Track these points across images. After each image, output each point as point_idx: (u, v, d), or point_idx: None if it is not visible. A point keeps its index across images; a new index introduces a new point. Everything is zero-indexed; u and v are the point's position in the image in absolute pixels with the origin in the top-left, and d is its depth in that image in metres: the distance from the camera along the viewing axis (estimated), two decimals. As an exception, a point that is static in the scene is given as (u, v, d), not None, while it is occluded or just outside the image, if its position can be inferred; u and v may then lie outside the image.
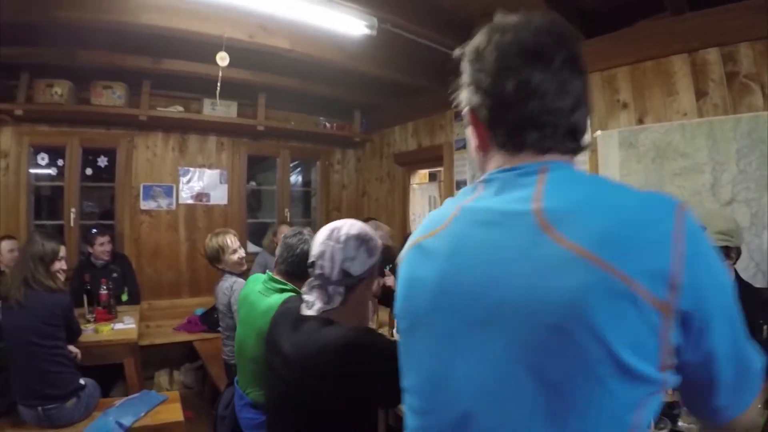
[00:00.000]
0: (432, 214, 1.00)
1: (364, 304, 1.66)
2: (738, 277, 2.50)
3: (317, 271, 1.56)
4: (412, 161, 5.75)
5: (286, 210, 6.05)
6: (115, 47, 4.21)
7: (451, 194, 5.04)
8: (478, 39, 0.88)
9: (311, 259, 1.60)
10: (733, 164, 2.99)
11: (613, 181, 0.82)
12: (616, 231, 0.71)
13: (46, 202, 5.46)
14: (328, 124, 6.07)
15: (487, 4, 3.65)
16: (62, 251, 3.16)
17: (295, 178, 7.02)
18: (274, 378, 1.63)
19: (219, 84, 4.01)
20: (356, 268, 1.54)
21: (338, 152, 6.55)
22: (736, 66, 2.98)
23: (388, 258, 5.00)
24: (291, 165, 6.50)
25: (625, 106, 3.61)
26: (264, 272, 4.28)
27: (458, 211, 0.89)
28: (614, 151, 3.62)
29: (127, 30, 3.57)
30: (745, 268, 2.87)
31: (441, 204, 1.04)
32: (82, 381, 2.99)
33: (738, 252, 2.46)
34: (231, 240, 3.46)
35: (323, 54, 4.16)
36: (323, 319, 1.50)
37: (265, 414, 2.03)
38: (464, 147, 4.88)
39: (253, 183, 6.16)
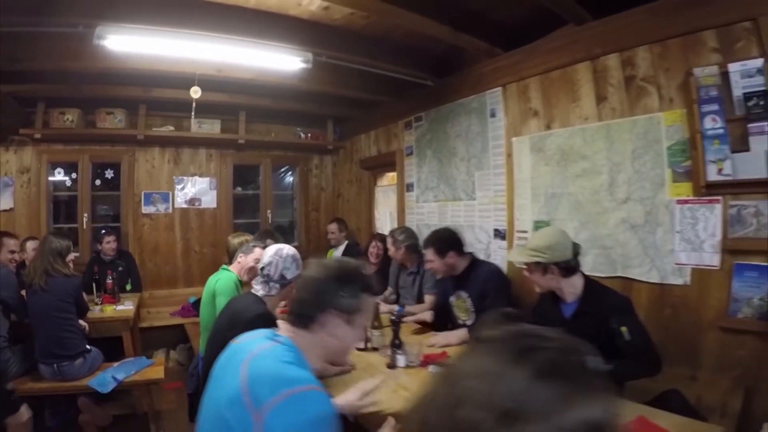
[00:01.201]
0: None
1: (285, 297, 2.56)
2: (589, 288, 2.50)
3: (265, 272, 2.51)
4: (373, 166, 6.12)
5: (269, 211, 6.49)
6: (112, 82, 4.80)
7: (402, 195, 5.42)
8: None
9: (261, 265, 2.54)
10: (629, 165, 3.09)
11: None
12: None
13: (63, 208, 5.91)
14: (302, 135, 6.56)
15: (405, 31, 3.90)
16: (72, 247, 3.93)
17: (289, 180, 7.33)
18: (214, 332, 2.50)
19: (193, 109, 4.66)
20: (289, 275, 2.49)
21: (316, 158, 6.98)
22: (633, 70, 3.06)
23: (353, 253, 5.84)
24: (283, 169, 7.01)
25: (535, 113, 3.78)
26: None
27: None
28: (526, 155, 3.83)
29: (119, 71, 4.17)
30: (641, 264, 3.03)
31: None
32: (88, 346, 3.68)
33: (566, 266, 2.46)
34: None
35: (282, 80, 4.52)
36: (257, 297, 2.49)
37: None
38: (412, 153, 5.24)
39: (239, 188, 6.54)
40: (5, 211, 5.42)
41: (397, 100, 5.38)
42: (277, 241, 5.51)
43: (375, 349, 3.04)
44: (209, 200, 6.32)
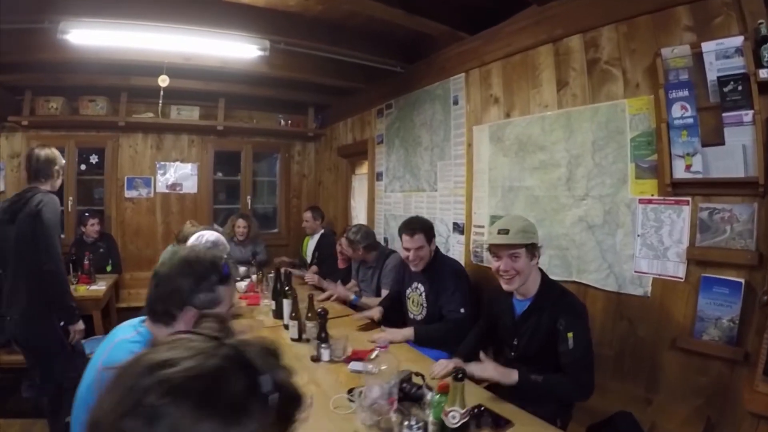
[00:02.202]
0: None
1: None
2: (546, 284, 2.06)
3: None
4: (350, 153, 5.50)
5: (249, 197, 5.90)
6: (92, 71, 4.44)
7: (373, 184, 4.80)
8: None
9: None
10: (589, 157, 2.47)
11: None
12: None
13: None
14: (282, 122, 5.92)
15: (365, 17, 3.23)
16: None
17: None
18: None
19: (161, 98, 4.30)
20: None
21: (298, 145, 6.32)
22: (597, 52, 2.42)
23: (329, 243, 5.25)
24: (275, 156, 6.32)
25: (496, 100, 3.15)
26: None
27: None
28: (486, 145, 3.21)
29: (97, 61, 3.93)
30: (598, 269, 2.41)
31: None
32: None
33: (539, 251, 2.05)
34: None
35: (252, 68, 4.07)
36: None
37: None
38: (383, 142, 4.62)
39: (219, 174, 5.96)
40: None
41: (371, 88, 4.74)
42: (250, 224, 5.02)
43: (308, 341, 2.58)
44: (190, 185, 5.73)
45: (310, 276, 4.23)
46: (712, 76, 1.86)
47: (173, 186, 5.65)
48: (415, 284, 3.02)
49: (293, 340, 2.63)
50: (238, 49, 3.49)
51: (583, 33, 2.52)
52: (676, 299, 2.08)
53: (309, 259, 4.95)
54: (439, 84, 3.76)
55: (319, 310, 2.47)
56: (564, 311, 1.93)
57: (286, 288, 2.96)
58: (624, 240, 2.33)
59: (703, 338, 1.94)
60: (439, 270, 2.89)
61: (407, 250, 2.87)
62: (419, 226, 2.88)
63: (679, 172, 2.02)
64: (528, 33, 2.86)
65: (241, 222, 5.01)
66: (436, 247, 3.02)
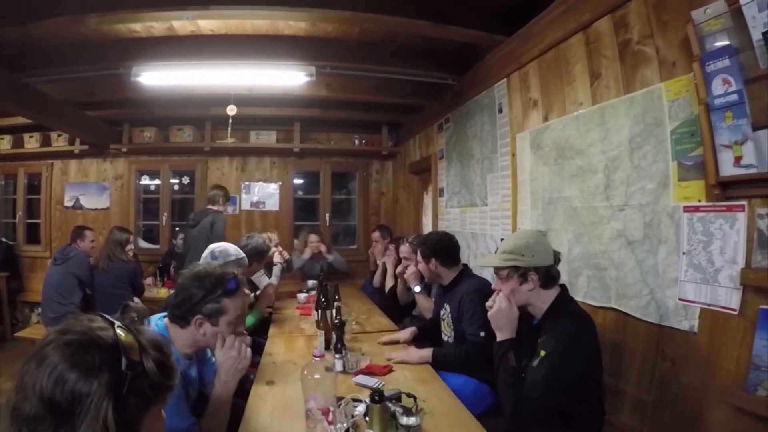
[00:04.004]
0: None
1: None
2: (556, 304, 1.68)
3: None
4: (419, 170, 5.22)
5: (327, 214, 5.91)
6: (177, 104, 4.87)
7: (436, 200, 4.49)
8: None
9: None
10: (627, 159, 1.97)
11: None
12: None
13: (148, 208, 6.00)
14: (357, 141, 5.85)
15: (404, 35, 3.16)
16: (131, 239, 4.27)
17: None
18: None
19: (230, 125, 4.39)
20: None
21: (376, 164, 6.20)
22: (628, 32, 1.97)
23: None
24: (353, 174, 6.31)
25: (535, 104, 2.73)
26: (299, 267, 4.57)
27: None
28: (527, 153, 2.79)
29: (176, 95, 4.36)
30: (638, 294, 1.90)
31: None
32: None
33: (547, 274, 1.67)
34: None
35: (311, 92, 4.20)
36: None
37: None
38: (443, 157, 4.32)
39: (299, 192, 6.11)
40: (103, 209, 5.75)
41: (433, 104, 4.51)
42: (322, 239, 4.98)
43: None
44: (272, 203, 5.93)
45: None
46: (757, 34, 1.32)
47: (257, 204, 5.88)
48: (445, 305, 2.69)
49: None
50: (288, 77, 3.63)
51: (611, 12, 2.06)
52: (728, 338, 1.51)
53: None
54: (485, 93, 3.41)
55: (336, 321, 2.33)
56: (551, 330, 1.61)
57: (322, 299, 2.86)
58: (667, 259, 1.78)
59: (757, 393, 1.36)
60: (461, 290, 2.55)
61: None
62: (418, 243, 2.82)
63: (727, 168, 1.48)
64: (557, 24, 2.44)
65: (313, 237, 5.02)
66: (464, 265, 2.71)
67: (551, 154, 2.55)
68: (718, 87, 1.45)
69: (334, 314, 2.46)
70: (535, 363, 1.55)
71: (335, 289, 3.39)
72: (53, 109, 4.25)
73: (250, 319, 3.20)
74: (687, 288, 1.68)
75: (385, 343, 2.65)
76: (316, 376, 1.56)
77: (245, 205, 5.85)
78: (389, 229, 5.03)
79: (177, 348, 1.52)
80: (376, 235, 4.85)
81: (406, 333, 2.76)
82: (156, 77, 3.53)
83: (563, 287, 1.77)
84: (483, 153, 3.47)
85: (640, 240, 1.91)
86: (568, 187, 2.40)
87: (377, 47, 3.59)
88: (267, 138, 5.59)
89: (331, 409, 1.49)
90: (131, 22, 3.12)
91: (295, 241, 5.71)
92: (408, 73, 3.84)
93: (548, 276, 1.69)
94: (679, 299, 1.71)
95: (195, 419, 1.53)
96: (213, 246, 2.60)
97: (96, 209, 5.66)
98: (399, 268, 3.54)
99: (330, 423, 1.47)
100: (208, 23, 3.21)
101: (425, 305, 3.20)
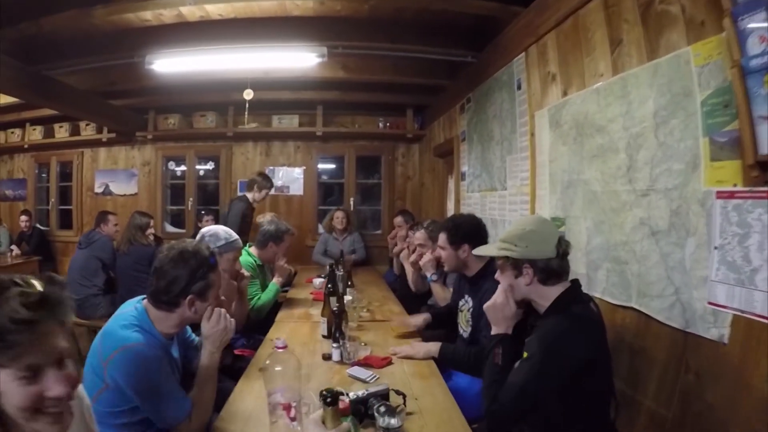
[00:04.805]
0: None
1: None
2: (558, 302, 1.45)
3: None
4: (442, 153, 4.94)
5: (351, 199, 5.75)
6: (199, 90, 4.85)
7: (458, 184, 4.22)
8: None
9: None
10: (651, 136, 1.68)
11: None
12: None
13: (175, 193, 6.07)
14: (381, 124, 5.62)
15: (415, 9, 3.01)
16: (151, 223, 4.19)
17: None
18: None
19: (247, 109, 4.42)
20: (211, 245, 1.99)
21: (402, 147, 5.94)
22: None
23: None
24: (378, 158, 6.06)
25: (553, 78, 2.43)
26: (324, 249, 4.54)
27: None
28: (546, 132, 2.50)
29: (194, 82, 4.38)
30: (661, 293, 1.62)
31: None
32: None
33: (546, 268, 1.43)
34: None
35: (330, 73, 4.12)
36: None
37: None
38: (465, 139, 4.03)
39: (324, 177, 5.98)
40: (132, 195, 5.86)
41: (455, 83, 4.23)
42: (348, 215, 4.94)
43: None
44: (297, 188, 5.84)
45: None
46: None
47: (281, 188, 5.78)
48: (465, 296, 2.37)
49: (324, 336, 2.42)
50: (299, 59, 3.53)
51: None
52: (763, 352, 1.23)
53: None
54: (504, 69, 3.12)
55: (334, 308, 2.20)
56: (539, 330, 1.41)
57: (329, 285, 2.67)
58: (696, 254, 1.49)
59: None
60: (488, 284, 2.12)
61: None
62: (444, 227, 2.40)
63: (766, 145, 1.17)
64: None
65: (339, 213, 4.97)
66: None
67: (570, 133, 2.25)
68: (754, 45, 1.15)
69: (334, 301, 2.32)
70: (516, 365, 1.39)
71: (348, 274, 3.27)
72: (77, 99, 4.30)
73: (268, 294, 3.06)
74: (718, 290, 1.40)
75: (401, 333, 2.51)
76: (278, 368, 1.42)
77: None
78: (412, 214, 4.82)
79: (159, 329, 1.51)
80: (398, 220, 4.65)
81: (419, 319, 2.57)
82: (169, 64, 3.49)
83: (575, 283, 1.52)
84: (503, 134, 3.18)
85: (665, 230, 1.62)
86: (588, 169, 2.10)
87: (389, 24, 3.40)
88: (289, 122, 5.48)
89: (293, 404, 1.35)
90: (137, 11, 3.05)
91: (319, 225, 5.65)
92: (425, 51, 3.61)
93: (547, 270, 1.45)
94: (708, 303, 1.43)
95: (190, 399, 1.49)
96: (204, 230, 2.48)
97: (125, 195, 5.79)
98: (413, 257, 3.31)
99: (292, 419, 1.32)
100: (215, 8, 3.11)
101: (441, 295, 2.94)
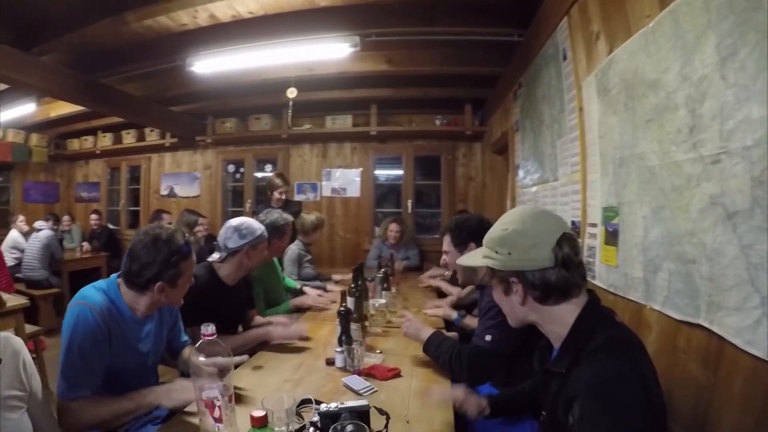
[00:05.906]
0: None
1: (240, 264, 2.22)
2: (578, 328, 1.01)
3: (216, 242, 2.29)
4: (499, 149, 4.37)
5: (409, 201, 5.38)
6: (253, 93, 4.84)
7: (513, 180, 3.72)
8: None
9: (218, 240, 2.27)
10: (717, 76, 1.15)
11: None
12: None
13: (234, 195, 6.19)
14: (438, 122, 5.22)
15: None
16: (200, 221, 4.45)
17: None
18: None
19: (290, 108, 4.36)
20: (231, 243, 2.17)
21: (463, 146, 5.44)
22: None
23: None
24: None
25: (598, 36, 1.97)
26: (378, 255, 4.36)
27: None
28: (594, 103, 2.01)
29: (239, 84, 4.33)
30: (741, 305, 1.08)
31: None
32: None
33: (541, 282, 1.01)
34: None
35: (373, 67, 3.94)
36: (207, 263, 2.21)
37: None
38: (518, 129, 3.50)
39: (381, 178, 5.70)
40: (194, 197, 6.07)
41: (507, 69, 3.76)
42: (403, 228, 4.63)
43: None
44: (353, 190, 5.62)
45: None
46: None
47: (337, 190, 5.64)
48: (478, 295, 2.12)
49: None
50: (331, 50, 3.36)
51: None
52: None
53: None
54: (549, 42, 2.65)
55: (341, 309, 2.01)
56: (583, 390, 0.88)
57: (351, 287, 2.46)
58: (793, 243, 0.94)
59: None
60: (488, 293, 1.84)
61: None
62: (448, 227, 2.13)
63: None
64: None
65: (394, 226, 4.64)
66: None
67: (620, 98, 1.74)
68: None
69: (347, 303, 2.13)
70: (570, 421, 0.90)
71: (385, 276, 3.00)
72: (136, 105, 4.46)
73: (276, 310, 2.87)
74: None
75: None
76: (201, 358, 1.23)
77: (326, 192, 5.66)
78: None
79: (129, 305, 1.54)
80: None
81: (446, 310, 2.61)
82: (208, 65, 3.50)
83: (591, 294, 1.05)
84: (552, 115, 2.68)
85: (746, 210, 1.08)
86: (643, 139, 1.58)
87: (423, 6, 3.10)
88: (343, 122, 5.29)
89: (217, 403, 1.20)
90: (167, 13, 3.06)
91: (376, 229, 5.36)
92: (465, 33, 3.27)
93: (543, 286, 1.01)
94: (813, 318, 0.88)
95: (88, 388, 1.41)
96: (236, 223, 2.30)
97: (188, 197, 5.99)
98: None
99: (217, 420, 1.19)
100: (245, 7, 3.08)
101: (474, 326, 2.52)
